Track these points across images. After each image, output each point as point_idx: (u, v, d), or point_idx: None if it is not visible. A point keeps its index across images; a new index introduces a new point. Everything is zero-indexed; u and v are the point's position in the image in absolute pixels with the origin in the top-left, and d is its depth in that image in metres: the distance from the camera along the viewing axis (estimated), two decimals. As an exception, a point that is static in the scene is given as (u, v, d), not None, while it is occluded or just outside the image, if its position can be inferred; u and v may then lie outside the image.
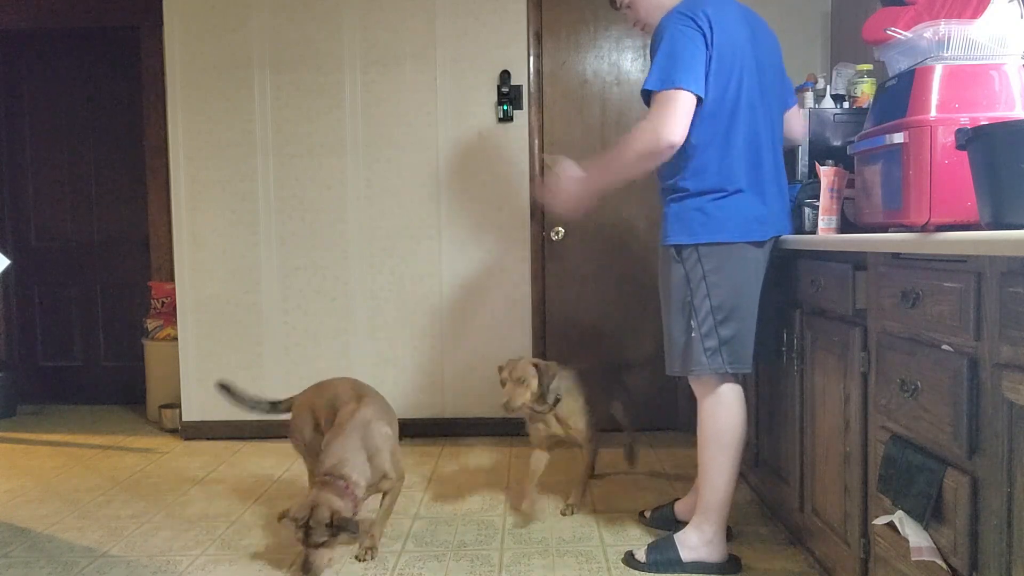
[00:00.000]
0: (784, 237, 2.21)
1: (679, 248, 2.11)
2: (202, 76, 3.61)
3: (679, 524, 2.35)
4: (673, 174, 2.13)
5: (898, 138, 1.70)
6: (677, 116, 1.98)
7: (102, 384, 4.51)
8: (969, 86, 1.66)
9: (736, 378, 2.19)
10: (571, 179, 2.24)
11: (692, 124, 2.02)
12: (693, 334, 2.11)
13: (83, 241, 4.49)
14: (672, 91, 1.98)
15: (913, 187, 1.66)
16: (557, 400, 2.54)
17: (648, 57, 3.62)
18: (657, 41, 2.05)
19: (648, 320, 3.68)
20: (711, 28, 2.01)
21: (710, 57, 2.01)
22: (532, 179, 3.61)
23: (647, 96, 2.06)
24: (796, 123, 2.40)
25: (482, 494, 2.87)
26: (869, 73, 2.48)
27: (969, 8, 1.72)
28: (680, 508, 2.48)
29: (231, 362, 3.68)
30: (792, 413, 2.24)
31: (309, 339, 3.68)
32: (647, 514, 2.56)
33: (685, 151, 2.06)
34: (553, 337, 3.70)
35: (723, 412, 2.15)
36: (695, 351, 2.11)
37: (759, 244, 2.12)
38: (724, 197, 2.07)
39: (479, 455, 3.36)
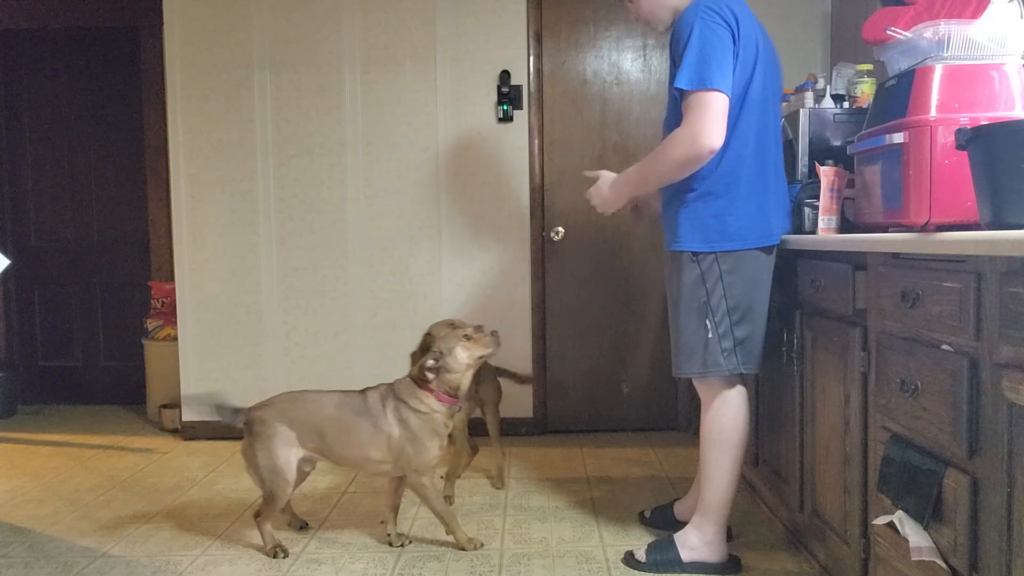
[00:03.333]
0: (784, 237, 2.21)
1: (694, 251, 2.09)
2: (202, 76, 3.61)
3: (679, 524, 2.34)
4: None
5: (898, 138, 1.70)
6: (715, 119, 1.93)
7: (102, 384, 4.50)
8: (969, 86, 1.67)
9: (743, 380, 2.19)
10: (608, 181, 2.23)
11: None
12: (710, 335, 2.09)
13: (83, 241, 4.49)
14: (707, 93, 1.92)
15: (913, 187, 1.66)
16: None
17: (645, 56, 3.64)
18: (684, 35, 1.98)
19: (648, 320, 3.68)
20: (737, 25, 1.98)
21: (736, 54, 1.98)
22: (532, 179, 3.61)
23: (679, 93, 2.00)
24: None
25: (482, 494, 2.86)
26: (869, 73, 2.47)
27: (969, 8, 1.72)
28: (680, 508, 2.48)
29: (231, 362, 3.68)
30: (792, 413, 2.24)
31: (309, 339, 3.67)
32: (647, 514, 2.56)
33: None
34: (553, 337, 3.70)
35: (728, 413, 2.15)
36: (713, 352, 2.10)
37: (771, 249, 2.13)
38: (736, 202, 2.04)
39: (479, 455, 3.36)
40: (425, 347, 2.53)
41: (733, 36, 1.97)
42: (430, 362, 2.23)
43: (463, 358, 2.26)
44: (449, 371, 2.25)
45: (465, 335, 2.28)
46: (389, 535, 2.41)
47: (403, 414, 2.26)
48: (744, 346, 2.11)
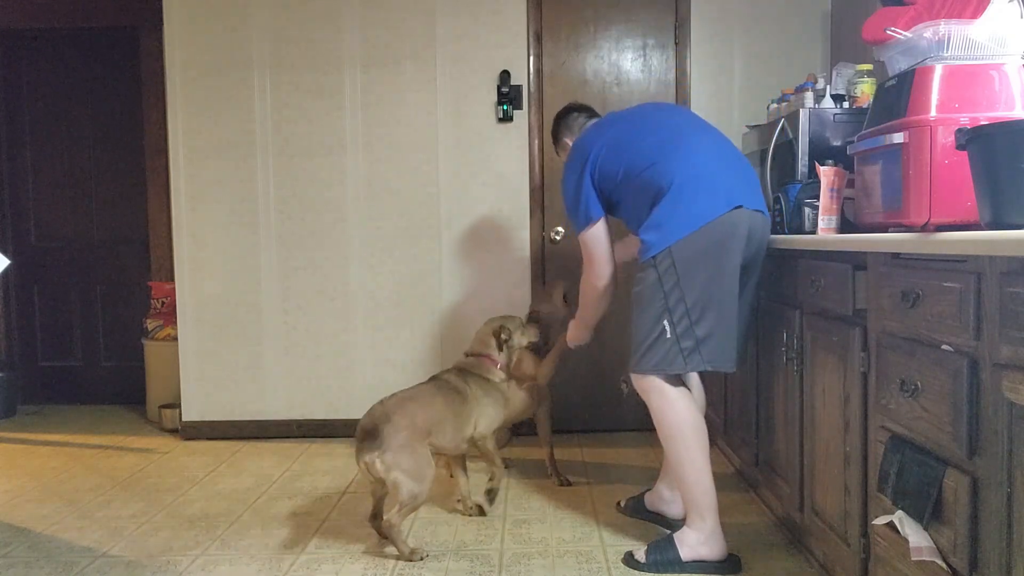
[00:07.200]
0: (784, 237, 2.21)
1: (653, 257, 2.12)
2: (202, 76, 3.61)
3: (649, 513, 2.52)
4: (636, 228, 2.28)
5: (898, 138, 1.70)
6: (596, 259, 2.32)
7: (102, 384, 4.51)
8: (969, 86, 1.67)
9: (681, 381, 2.21)
10: (571, 327, 2.66)
11: (624, 199, 2.25)
12: (668, 335, 2.10)
13: (83, 241, 4.49)
14: (583, 235, 2.31)
15: (913, 187, 1.66)
16: None
17: (646, 57, 3.65)
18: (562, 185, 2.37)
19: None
20: (587, 155, 2.27)
21: (592, 175, 2.26)
22: (532, 179, 3.62)
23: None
24: None
25: (482, 493, 2.86)
26: (869, 73, 2.48)
27: (969, 8, 1.72)
28: (649, 498, 2.56)
29: (231, 362, 3.68)
30: (792, 413, 2.24)
31: (309, 339, 3.67)
32: (622, 503, 2.65)
33: (630, 215, 2.29)
34: (553, 337, 3.70)
35: (670, 409, 2.17)
36: (670, 351, 2.11)
37: (720, 222, 2.08)
38: (668, 210, 2.11)
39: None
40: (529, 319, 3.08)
41: (586, 168, 2.26)
42: (504, 335, 2.73)
43: (521, 342, 2.80)
44: (512, 347, 2.77)
45: (522, 322, 2.86)
46: (471, 508, 2.63)
47: (484, 386, 2.63)
48: (708, 343, 2.10)
